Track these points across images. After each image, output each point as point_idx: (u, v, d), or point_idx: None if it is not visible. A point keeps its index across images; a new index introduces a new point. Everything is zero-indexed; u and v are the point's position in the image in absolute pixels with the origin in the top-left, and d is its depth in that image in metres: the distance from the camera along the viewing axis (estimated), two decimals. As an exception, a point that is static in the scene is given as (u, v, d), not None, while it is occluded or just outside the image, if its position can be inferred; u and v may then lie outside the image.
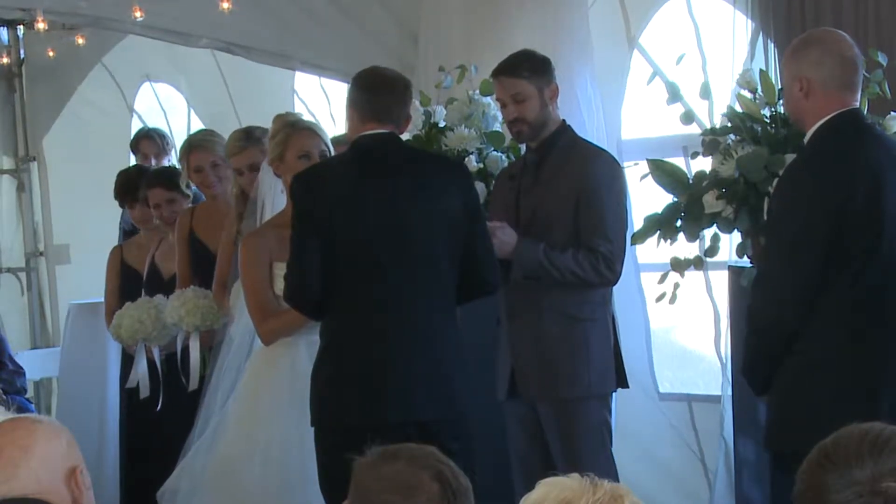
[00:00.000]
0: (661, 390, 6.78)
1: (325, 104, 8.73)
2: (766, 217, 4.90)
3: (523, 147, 5.67)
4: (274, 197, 5.46)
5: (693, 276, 5.66)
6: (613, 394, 5.50)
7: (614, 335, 5.45)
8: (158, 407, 6.25)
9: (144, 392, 6.36)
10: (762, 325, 4.53)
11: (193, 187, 6.57)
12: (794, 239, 4.42)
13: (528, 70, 5.41)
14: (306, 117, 8.48)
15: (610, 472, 5.20)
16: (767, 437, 4.61)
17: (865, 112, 4.88)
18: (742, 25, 6.05)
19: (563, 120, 5.50)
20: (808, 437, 2.64)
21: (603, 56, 6.67)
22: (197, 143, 6.46)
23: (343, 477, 2.99)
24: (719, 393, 6.23)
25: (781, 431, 4.47)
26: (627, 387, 5.53)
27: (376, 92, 4.94)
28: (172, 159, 8.00)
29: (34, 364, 8.72)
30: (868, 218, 4.37)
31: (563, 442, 5.34)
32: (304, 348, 5.09)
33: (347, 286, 4.85)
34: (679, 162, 5.75)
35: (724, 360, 6.19)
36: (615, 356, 5.44)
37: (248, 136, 5.98)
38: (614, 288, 5.59)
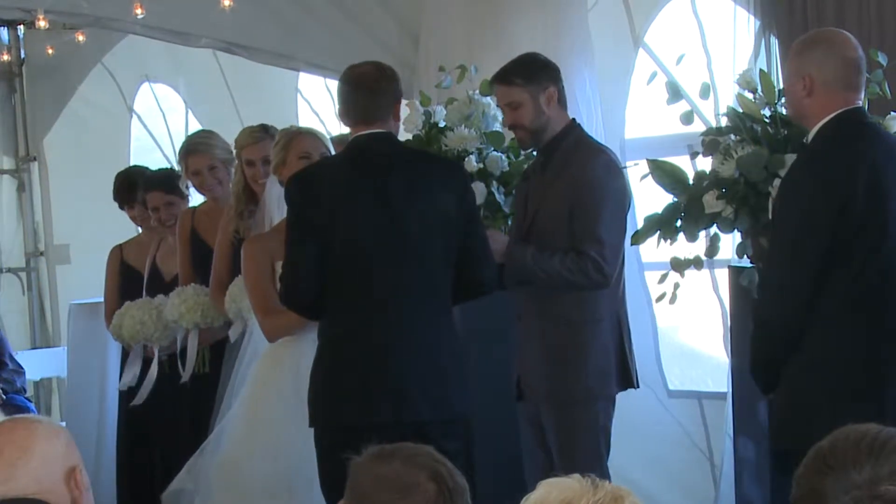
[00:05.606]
0: (671, 387, 6.78)
1: (329, 104, 8.70)
2: (770, 218, 4.89)
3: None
4: (280, 207, 5.46)
5: (699, 274, 5.64)
6: (613, 394, 5.47)
7: (621, 336, 5.37)
8: (141, 402, 6.31)
9: (131, 384, 6.39)
10: (765, 324, 4.53)
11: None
12: (795, 238, 4.42)
13: (519, 76, 5.35)
14: (310, 117, 8.58)
15: (603, 475, 5.16)
16: (772, 436, 4.60)
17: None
18: (747, 24, 6.03)
19: (573, 119, 5.45)
20: (811, 437, 2.62)
21: (607, 55, 6.66)
22: (194, 147, 6.44)
23: (342, 476, 2.98)
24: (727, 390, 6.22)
25: (784, 430, 4.46)
26: (636, 387, 5.48)
27: (354, 94, 4.93)
28: None
29: (34, 364, 8.71)
30: (870, 217, 4.36)
31: (562, 443, 5.33)
32: (309, 347, 5.08)
33: (343, 286, 4.85)
34: (684, 161, 5.73)
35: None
36: (622, 357, 5.37)
37: (265, 130, 5.97)
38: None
